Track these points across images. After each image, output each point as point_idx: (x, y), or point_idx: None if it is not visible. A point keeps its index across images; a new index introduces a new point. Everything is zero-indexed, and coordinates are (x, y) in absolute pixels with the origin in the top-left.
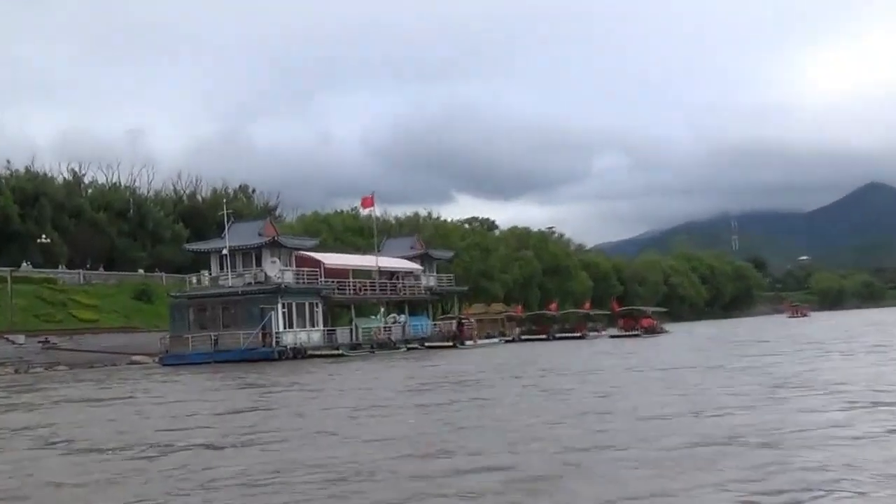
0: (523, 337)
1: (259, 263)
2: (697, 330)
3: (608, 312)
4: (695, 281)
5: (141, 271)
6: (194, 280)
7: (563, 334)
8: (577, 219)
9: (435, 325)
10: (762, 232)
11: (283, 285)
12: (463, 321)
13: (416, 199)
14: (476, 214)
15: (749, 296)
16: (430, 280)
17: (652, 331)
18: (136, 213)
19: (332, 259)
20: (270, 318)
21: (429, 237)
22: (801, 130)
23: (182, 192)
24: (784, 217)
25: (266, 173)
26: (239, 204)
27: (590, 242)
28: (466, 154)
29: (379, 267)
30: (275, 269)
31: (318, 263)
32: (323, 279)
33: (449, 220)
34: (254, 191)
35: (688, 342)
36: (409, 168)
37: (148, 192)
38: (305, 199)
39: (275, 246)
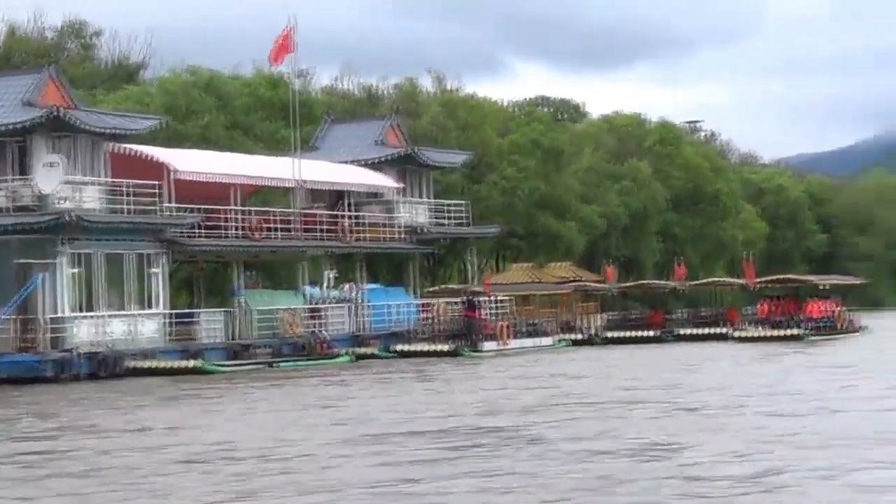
0: (610, 334)
1: (23, 169)
2: None
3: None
4: None
5: None
6: None
7: (697, 329)
8: (739, 111)
9: (420, 307)
10: None
11: (72, 216)
12: (477, 300)
13: (440, 69)
14: (547, 93)
15: None
16: (418, 212)
17: (830, 327)
18: None
19: (193, 162)
20: (41, 288)
21: (430, 125)
22: None
23: None
24: None
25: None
26: (61, 58)
27: (766, 153)
28: None
29: (303, 182)
30: (54, 180)
31: (160, 170)
32: (173, 204)
33: (487, 98)
34: (97, 34)
35: None
36: (426, 16)
37: None
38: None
39: (59, 128)
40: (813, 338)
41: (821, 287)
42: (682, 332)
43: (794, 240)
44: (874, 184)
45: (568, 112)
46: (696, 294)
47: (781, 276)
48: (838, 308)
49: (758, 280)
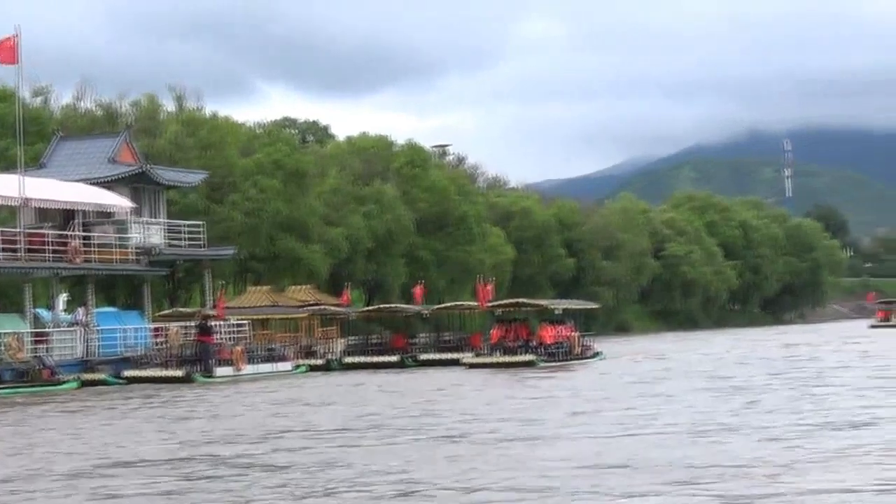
0: (349, 359)
1: None
2: (699, 351)
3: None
4: (713, 250)
5: None
6: None
7: (439, 354)
8: (487, 136)
9: (156, 331)
10: (834, 164)
11: None
12: (211, 324)
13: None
14: (293, 115)
15: (816, 284)
16: (151, 233)
17: (565, 352)
18: None
19: None
20: None
21: (169, 144)
22: None
23: None
24: (870, 139)
25: None
26: None
27: (514, 178)
28: (282, 19)
29: (26, 199)
30: None
31: None
32: None
33: (229, 118)
34: None
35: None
36: (172, 36)
37: None
38: None
39: None
40: (546, 364)
41: (555, 311)
42: (423, 357)
43: (541, 264)
44: (621, 207)
45: (315, 134)
46: (441, 318)
47: (513, 300)
48: (573, 333)
49: (489, 304)
